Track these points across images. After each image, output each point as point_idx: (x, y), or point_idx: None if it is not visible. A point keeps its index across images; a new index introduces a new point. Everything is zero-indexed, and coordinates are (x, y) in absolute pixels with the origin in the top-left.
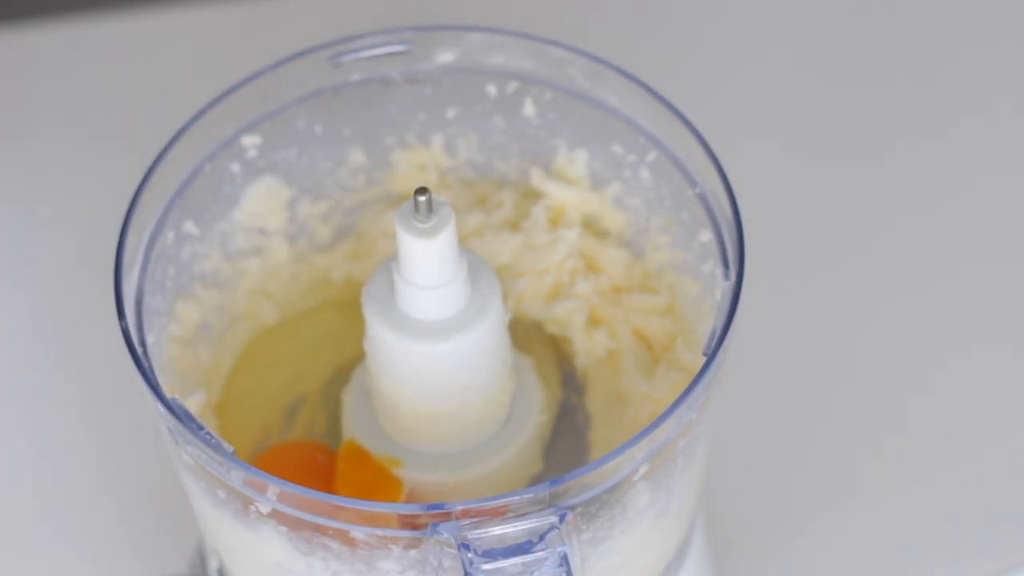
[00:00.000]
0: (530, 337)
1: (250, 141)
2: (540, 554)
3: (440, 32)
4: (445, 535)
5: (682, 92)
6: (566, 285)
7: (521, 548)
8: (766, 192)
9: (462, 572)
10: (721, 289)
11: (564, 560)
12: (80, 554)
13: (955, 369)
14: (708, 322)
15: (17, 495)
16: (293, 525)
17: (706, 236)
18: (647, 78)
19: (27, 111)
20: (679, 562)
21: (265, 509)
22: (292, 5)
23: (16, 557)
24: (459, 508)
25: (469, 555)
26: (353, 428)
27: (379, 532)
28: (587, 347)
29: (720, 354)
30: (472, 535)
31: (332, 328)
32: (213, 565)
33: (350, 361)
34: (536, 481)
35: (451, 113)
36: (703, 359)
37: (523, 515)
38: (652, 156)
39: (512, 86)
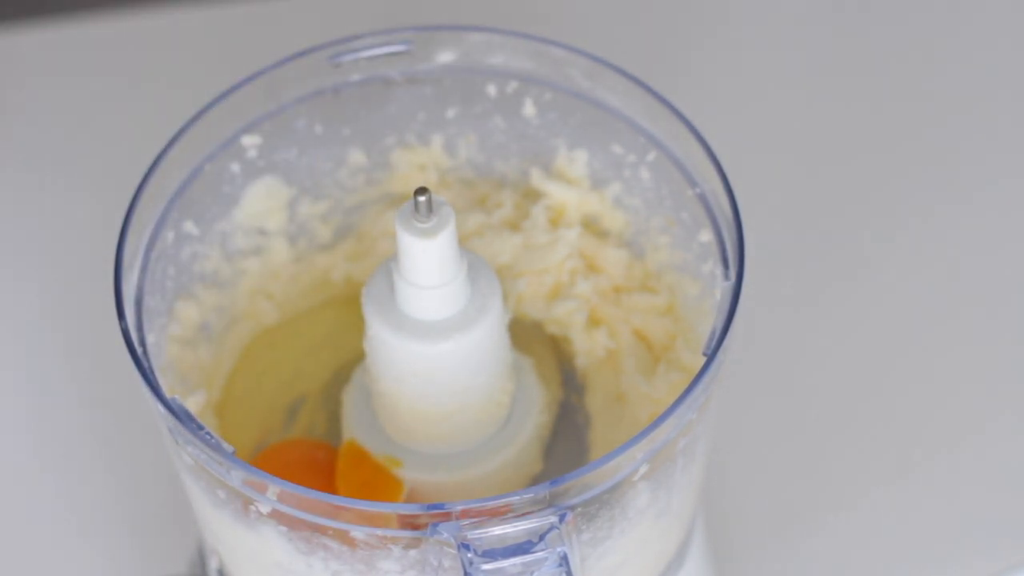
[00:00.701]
0: (530, 337)
1: (250, 141)
2: (540, 554)
3: (440, 32)
4: (445, 535)
5: (682, 92)
6: (566, 285)
7: (521, 548)
8: (766, 192)
9: (462, 572)
10: (721, 289)
11: (564, 560)
12: (80, 554)
13: (955, 369)
14: (708, 322)
15: (17, 495)
16: (293, 525)
17: (706, 236)
18: (647, 78)
19: (27, 111)
20: (679, 562)
21: (265, 509)
22: (292, 5)
23: (16, 557)
24: (459, 508)
25: (469, 555)
26: (353, 428)
27: (379, 532)
28: (587, 347)
29: (720, 354)
30: (472, 535)
31: (332, 328)
32: (213, 565)
33: (350, 361)
34: (536, 481)
35: (451, 113)
36: (703, 359)
37: (523, 515)
38: (652, 156)
39: (512, 86)
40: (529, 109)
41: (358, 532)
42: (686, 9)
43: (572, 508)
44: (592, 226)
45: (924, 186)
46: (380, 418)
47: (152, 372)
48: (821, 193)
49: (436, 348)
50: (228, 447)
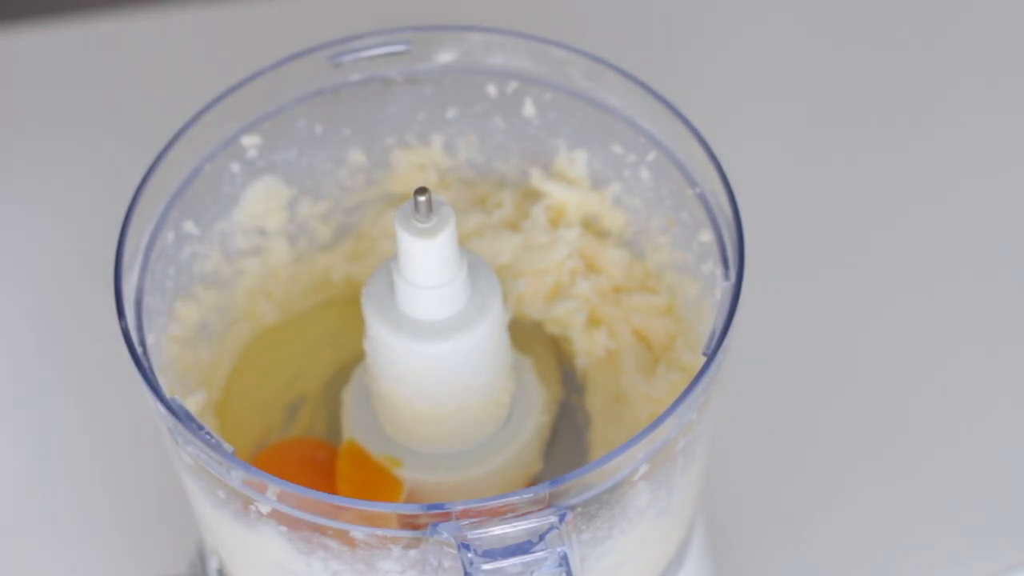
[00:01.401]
0: (530, 337)
1: (250, 141)
2: (540, 554)
3: (440, 32)
4: (445, 535)
5: (682, 92)
6: (566, 285)
7: (521, 548)
8: (766, 192)
9: (462, 572)
10: (721, 289)
11: (564, 560)
12: (80, 554)
13: (955, 369)
14: (708, 322)
15: (17, 495)
16: (293, 525)
17: (706, 236)
18: (647, 78)
19: (27, 111)
20: (679, 562)
21: (265, 509)
22: (292, 5)
23: (16, 557)
24: (459, 508)
25: (469, 555)
26: (353, 428)
27: (379, 532)
28: (587, 347)
29: (720, 354)
30: (472, 535)
31: (332, 328)
32: (213, 565)
33: (350, 361)
34: (536, 481)
35: (451, 113)
36: (703, 359)
37: (523, 515)
38: (652, 156)
39: (512, 86)
40: (529, 109)
41: (358, 532)
42: (686, 9)
43: (572, 508)
44: (592, 226)
45: (924, 186)
46: (380, 418)
47: (152, 372)
48: (821, 193)
49: (436, 348)
50: (228, 447)
